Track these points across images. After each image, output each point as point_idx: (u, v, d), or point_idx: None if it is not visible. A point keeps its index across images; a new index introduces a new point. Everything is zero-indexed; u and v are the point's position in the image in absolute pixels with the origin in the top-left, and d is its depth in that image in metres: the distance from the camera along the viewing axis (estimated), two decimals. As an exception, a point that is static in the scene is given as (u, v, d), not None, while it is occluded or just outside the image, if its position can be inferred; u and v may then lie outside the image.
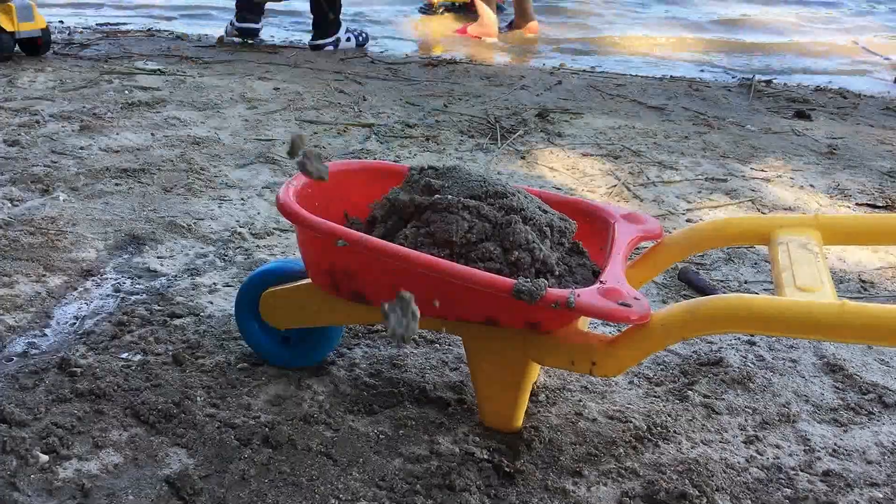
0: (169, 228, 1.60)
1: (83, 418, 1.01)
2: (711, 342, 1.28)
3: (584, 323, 1.04)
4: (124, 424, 1.02)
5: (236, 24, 3.43)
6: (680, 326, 0.90)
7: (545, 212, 1.06)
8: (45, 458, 0.94)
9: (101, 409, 1.04)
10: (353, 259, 0.98)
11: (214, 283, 1.40)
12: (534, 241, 0.99)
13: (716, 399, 1.13)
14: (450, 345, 1.26)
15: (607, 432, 1.06)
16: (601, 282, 0.94)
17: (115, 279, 1.39)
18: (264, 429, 1.02)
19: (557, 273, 1.01)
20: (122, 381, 1.09)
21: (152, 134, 2.17)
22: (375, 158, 2.05)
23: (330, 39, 3.44)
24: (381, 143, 2.22)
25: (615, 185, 1.96)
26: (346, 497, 0.92)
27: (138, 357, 1.16)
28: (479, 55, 3.59)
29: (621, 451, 1.02)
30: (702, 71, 3.48)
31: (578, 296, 0.90)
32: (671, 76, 3.29)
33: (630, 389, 1.16)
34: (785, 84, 3.23)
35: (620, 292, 0.92)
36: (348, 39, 3.49)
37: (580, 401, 1.13)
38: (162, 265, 1.46)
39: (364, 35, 3.56)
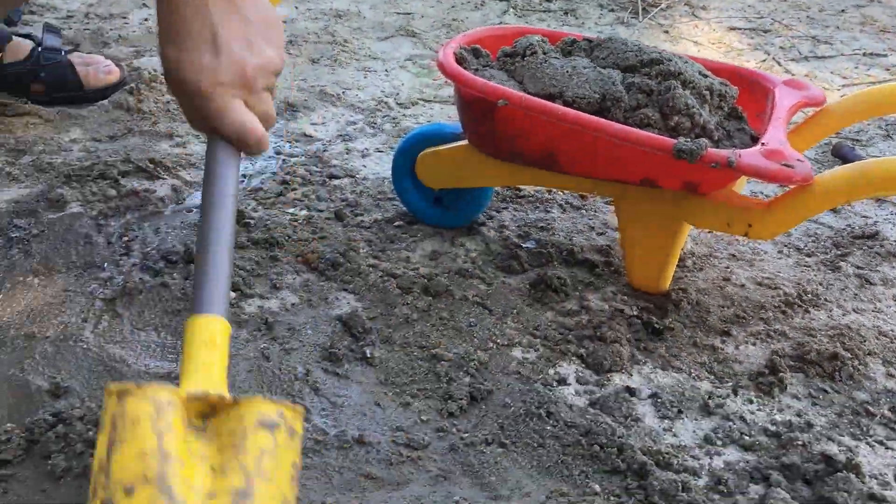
0: (320, 97, 1.66)
1: (261, 263, 1.11)
2: (867, 216, 1.25)
3: (740, 189, 1.04)
4: (296, 270, 1.11)
5: None
6: (844, 188, 0.90)
7: (705, 76, 1.05)
8: (232, 294, 1.04)
9: (276, 255, 1.13)
10: (512, 118, 1.01)
11: (366, 149, 1.46)
12: (693, 106, 0.99)
13: (870, 271, 1.12)
14: (595, 211, 1.28)
15: (756, 297, 1.08)
16: (762, 143, 0.94)
17: (276, 143, 1.47)
18: (423, 279, 1.08)
19: (716, 138, 1.01)
20: (291, 233, 1.18)
21: (296, 7, 2.22)
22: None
23: None
24: (519, 17, 2.19)
25: (764, 60, 1.89)
26: (504, 342, 0.98)
27: (303, 212, 1.24)
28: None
29: (770, 314, 1.04)
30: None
31: (739, 156, 0.91)
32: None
33: (780, 259, 1.16)
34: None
35: (783, 153, 0.91)
36: None
37: (728, 267, 1.14)
38: (316, 131, 1.53)
39: None
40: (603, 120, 0.96)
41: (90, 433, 0.77)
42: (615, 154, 0.97)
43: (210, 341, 0.72)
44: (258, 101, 0.82)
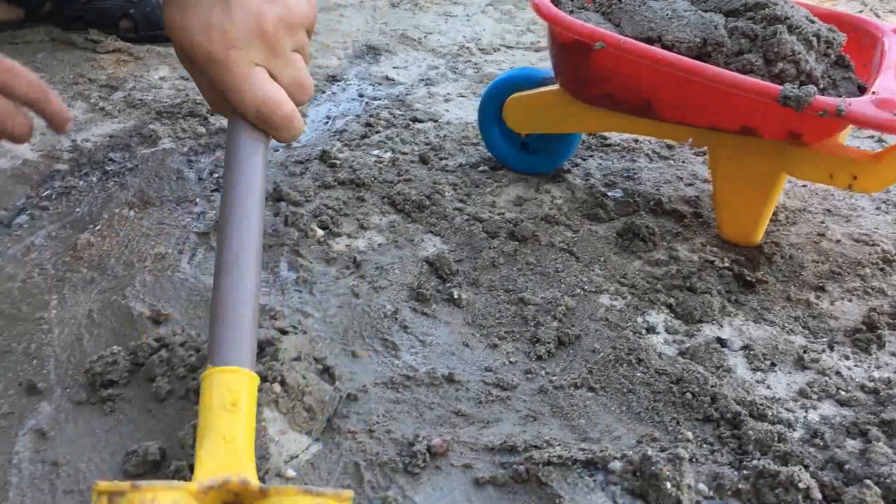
0: (401, 41, 1.66)
1: (347, 203, 1.12)
2: (971, 174, 1.20)
3: (843, 139, 1.01)
4: (383, 211, 1.11)
5: None
6: (961, 142, 0.86)
7: (812, 21, 1.01)
8: (321, 232, 1.05)
9: (362, 196, 1.13)
10: (608, 62, 0.99)
11: (448, 93, 1.45)
12: (800, 53, 0.96)
13: (974, 230, 1.08)
14: (684, 161, 1.26)
15: (852, 253, 1.05)
16: (873, 92, 0.90)
17: (358, 85, 1.47)
18: (509, 224, 1.08)
19: (822, 86, 0.97)
20: (376, 174, 1.18)
21: (375, -49, 2.20)
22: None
23: None
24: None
25: (861, 11, 1.81)
26: (591, 289, 0.98)
27: (388, 154, 1.24)
28: None
29: (867, 271, 1.01)
30: None
31: (849, 104, 0.87)
32: None
33: (878, 215, 1.12)
34: None
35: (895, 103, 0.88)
36: None
37: (822, 222, 1.11)
38: (398, 75, 1.52)
39: None
40: (705, 65, 0.93)
41: (192, 359, 0.80)
42: (715, 101, 0.95)
43: (231, 403, 0.58)
44: (284, 66, 0.66)
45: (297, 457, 0.73)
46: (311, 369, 0.80)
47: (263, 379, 0.75)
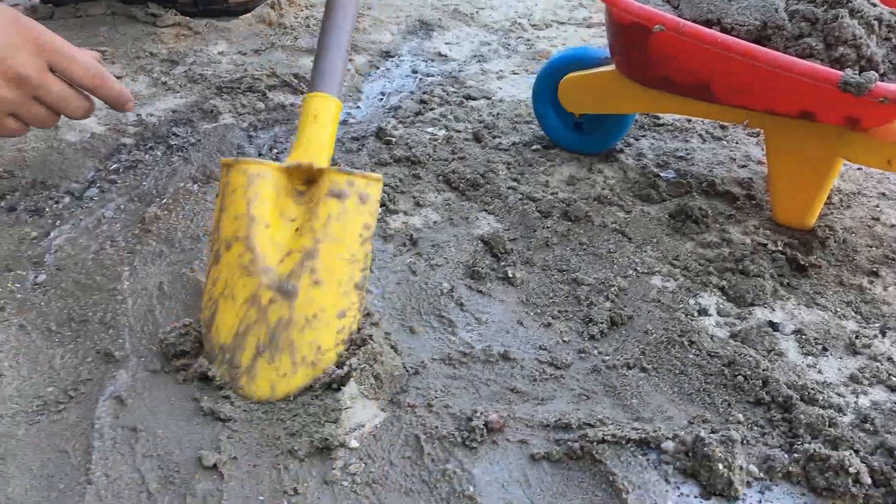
0: (453, 16, 1.66)
1: (403, 180, 1.14)
2: None
3: (902, 125, 1.00)
4: (438, 189, 1.13)
5: None
6: None
7: (874, 5, 1.00)
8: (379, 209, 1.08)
9: (417, 173, 1.16)
10: (666, 45, 0.99)
11: (501, 70, 1.46)
12: (861, 37, 0.95)
13: None
14: (737, 143, 1.26)
15: (907, 239, 1.05)
16: (936, 80, 0.90)
17: (412, 61, 1.49)
18: (562, 204, 1.09)
19: (881, 71, 0.97)
20: (431, 152, 1.20)
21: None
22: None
23: None
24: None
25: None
26: (644, 269, 0.99)
27: (442, 132, 1.26)
28: None
29: (922, 257, 1.01)
30: None
31: (911, 92, 0.87)
32: None
33: (934, 200, 1.12)
34: None
35: (959, 91, 0.87)
36: None
37: (877, 206, 1.11)
38: (451, 51, 1.53)
39: None
40: (764, 49, 0.93)
41: (259, 332, 0.83)
42: (773, 85, 0.95)
43: (315, 117, 0.85)
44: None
45: (362, 426, 0.76)
46: (384, 341, 0.84)
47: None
